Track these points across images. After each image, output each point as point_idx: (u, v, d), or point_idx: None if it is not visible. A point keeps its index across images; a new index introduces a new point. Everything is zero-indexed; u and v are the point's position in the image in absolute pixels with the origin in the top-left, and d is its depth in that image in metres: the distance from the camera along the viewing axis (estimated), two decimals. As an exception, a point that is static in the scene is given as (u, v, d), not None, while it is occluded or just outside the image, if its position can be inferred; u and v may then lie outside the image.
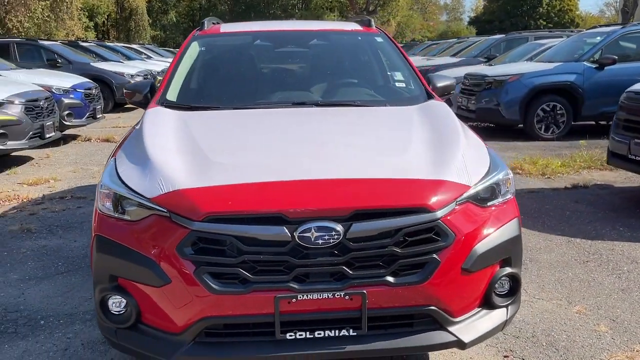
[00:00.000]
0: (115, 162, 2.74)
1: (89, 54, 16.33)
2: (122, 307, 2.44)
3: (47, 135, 8.10)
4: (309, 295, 2.28)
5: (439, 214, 2.36)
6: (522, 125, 9.86)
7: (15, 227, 5.15)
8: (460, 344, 2.45)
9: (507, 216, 2.61)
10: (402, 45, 31.93)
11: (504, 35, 16.27)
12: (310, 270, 2.29)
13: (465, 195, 2.49)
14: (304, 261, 2.27)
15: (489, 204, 2.58)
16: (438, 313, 2.39)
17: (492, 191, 2.62)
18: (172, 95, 3.59)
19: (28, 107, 7.63)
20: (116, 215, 2.47)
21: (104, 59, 16.43)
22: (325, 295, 2.28)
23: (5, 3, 34.30)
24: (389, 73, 3.94)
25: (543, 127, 9.56)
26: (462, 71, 11.50)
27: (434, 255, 2.34)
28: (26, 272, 4.17)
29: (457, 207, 2.44)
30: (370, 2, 61.67)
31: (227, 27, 4.37)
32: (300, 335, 2.32)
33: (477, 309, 2.55)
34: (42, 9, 35.92)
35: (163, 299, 2.32)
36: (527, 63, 10.71)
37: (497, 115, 9.81)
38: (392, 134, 2.97)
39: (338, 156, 2.64)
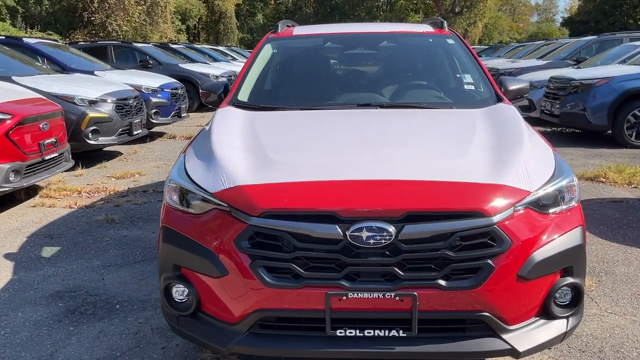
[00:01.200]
0: (184, 158, 2.89)
1: (178, 55, 17.09)
2: (184, 295, 2.57)
3: (135, 132, 8.58)
4: (359, 294, 2.31)
5: (495, 219, 2.32)
6: (610, 132, 9.37)
7: (101, 217, 5.51)
8: (514, 353, 2.39)
9: (570, 224, 2.52)
10: (487, 47, 30.97)
11: (596, 37, 15.48)
12: (361, 270, 2.32)
13: (524, 201, 2.43)
14: (355, 260, 2.30)
15: (550, 211, 2.51)
16: (491, 320, 2.36)
17: (555, 198, 2.54)
18: (243, 95, 3.73)
19: (118, 105, 8.12)
20: (181, 208, 2.61)
21: (192, 61, 17.13)
22: (375, 295, 2.31)
23: (107, 8, 36.45)
24: (458, 75, 3.90)
25: (634, 133, 9.05)
26: (547, 74, 11.07)
27: (489, 261, 2.31)
28: (107, 259, 4.46)
29: (515, 212, 2.39)
30: (456, 3, 60.44)
31: (299, 30, 4.47)
32: (350, 332, 2.36)
33: (534, 318, 2.48)
34: (139, 14, 37.88)
35: (221, 289, 2.43)
36: (618, 66, 10.16)
37: (583, 121, 9.38)
38: (455, 136, 2.95)
39: (395, 157, 2.65)
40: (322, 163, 2.61)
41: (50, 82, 7.69)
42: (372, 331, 2.36)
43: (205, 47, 24.58)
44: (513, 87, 3.87)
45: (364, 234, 2.27)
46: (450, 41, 4.16)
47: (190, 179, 2.64)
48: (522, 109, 11.90)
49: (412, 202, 2.34)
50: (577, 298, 2.55)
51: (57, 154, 6.17)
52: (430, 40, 4.27)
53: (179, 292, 2.59)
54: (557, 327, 2.51)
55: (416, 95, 3.71)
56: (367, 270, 2.32)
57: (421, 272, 2.32)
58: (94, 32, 34.95)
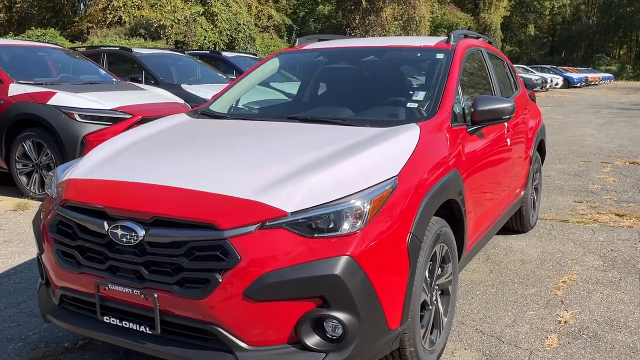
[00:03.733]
0: None
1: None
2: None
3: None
4: (117, 287, 2.52)
5: (227, 233, 2.31)
6: None
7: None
8: (240, 373, 2.34)
9: (331, 252, 2.32)
10: None
11: None
12: (119, 265, 2.52)
13: (277, 221, 2.34)
14: (114, 255, 2.52)
15: (316, 235, 2.36)
16: (223, 334, 2.34)
17: (325, 222, 2.37)
18: (216, 105, 4.07)
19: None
20: (49, 194, 3.11)
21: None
22: (127, 289, 2.50)
23: (366, 24, 39.13)
24: (411, 93, 3.61)
25: None
26: None
27: (216, 274, 2.31)
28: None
29: (258, 230, 2.33)
30: None
31: (312, 44, 4.59)
32: (113, 321, 2.59)
33: (285, 345, 2.37)
34: (395, 28, 39.74)
35: (44, 265, 2.88)
36: None
37: None
38: (298, 152, 2.83)
39: (202, 167, 2.72)
40: (135, 165, 2.83)
41: (208, 90, 8.94)
42: (128, 323, 2.55)
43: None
44: (482, 107, 3.48)
45: (119, 232, 2.48)
46: (439, 56, 3.85)
47: (63, 170, 3.13)
48: None
49: (159, 207, 2.47)
50: (344, 334, 2.35)
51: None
52: (418, 55, 4.01)
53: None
54: (309, 359, 2.35)
55: (349, 111, 3.57)
56: (123, 266, 2.52)
57: (160, 275, 2.43)
58: (354, 46, 37.78)
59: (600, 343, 3.31)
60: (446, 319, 3.17)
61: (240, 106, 4.13)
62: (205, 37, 27.93)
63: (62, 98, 6.60)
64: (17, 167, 6.74)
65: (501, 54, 5.27)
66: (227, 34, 29.28)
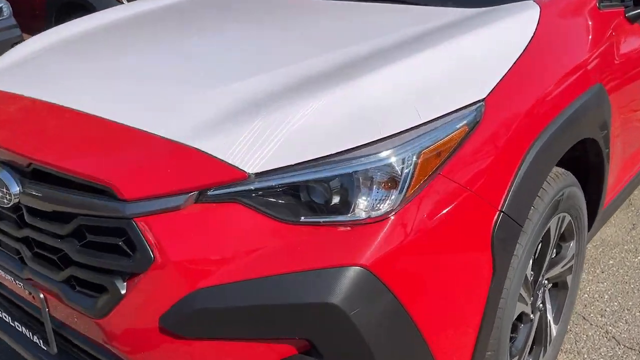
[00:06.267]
0: None
1: None
2: None
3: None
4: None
5: (132, 207, 1.21)
6: None
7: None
8: None
9: (326, 255, 1.16)
10: None
11: None
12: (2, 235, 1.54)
13: (228, 188, 1.20)
14: (-6, 219, 1.53)
15: (303, 218, 1.20)
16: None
17: (321, 194, 1.20)
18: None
19: None
20: None
21: None
22: (9, 276, 1.52)
23: None
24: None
25: None
26: None
27: (115, 280, 1.25)
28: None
29: (189, 205, 1.21)
30: None
31: None
32: (6, 317, 1.65)
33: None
34: None
35: None
36: None
37: None
38: (312, 50, 1.60)
39: (148, 77, 1.59)
40: (53, 73, 1.76)
41: None
42: (20, 326, 1.60)
43: None
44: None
45: (-7, 184, 1.46)
46: None
47: None
48: None
49: (42, 149, 1.39)
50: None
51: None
52: None
53: None
54: None
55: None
56: (3, 239, 1.53)
57: (45, 265, 1.41)
58: None
59: None
60: (557, 327, 1.96)
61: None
62: None
63: (107, -23, 5.61)
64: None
65: None
66: None
